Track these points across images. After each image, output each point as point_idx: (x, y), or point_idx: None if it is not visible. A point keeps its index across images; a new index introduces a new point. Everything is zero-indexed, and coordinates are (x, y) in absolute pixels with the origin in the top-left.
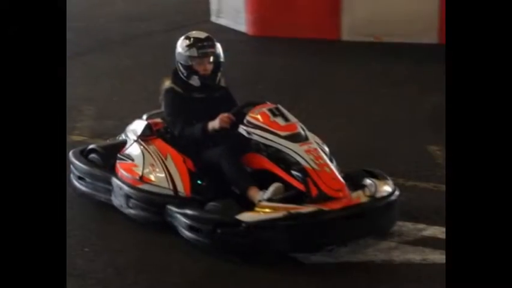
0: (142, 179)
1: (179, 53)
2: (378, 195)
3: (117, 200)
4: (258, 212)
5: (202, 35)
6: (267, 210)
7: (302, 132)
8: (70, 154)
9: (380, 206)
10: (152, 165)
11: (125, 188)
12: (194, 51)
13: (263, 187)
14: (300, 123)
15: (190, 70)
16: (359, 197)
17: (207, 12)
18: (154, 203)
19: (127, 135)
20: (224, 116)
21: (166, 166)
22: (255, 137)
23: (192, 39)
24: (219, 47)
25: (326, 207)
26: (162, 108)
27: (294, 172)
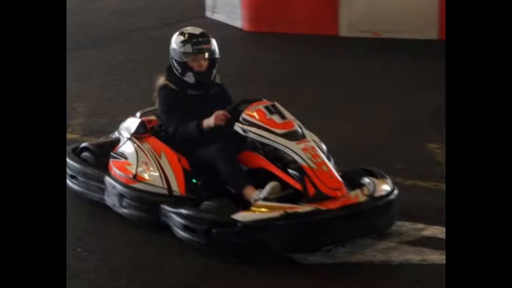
0: (135, 177)
1: (173, 49)
2: (377, 194)
3: (110, 199)
4: (254, 211)
5: (197, 30)
6: (264, 209)
7: (299, 130)
8: None
9: (378, 206)
10: (146, 163)
11: (119, 186)
12: (189, 48)
13: (259, 186)
14: (297, 121)
15: (185, 67)
16: (357, 196)
17: (201, 7)
18: (148, 202)
19: (120, 133)
20: (219, 113)
21: (160, 164)
22: (251, 135)
23: (186, 35)
24: (214, 43)
25: (323, 206)
26: (156, 106)
27: (291, 171)
